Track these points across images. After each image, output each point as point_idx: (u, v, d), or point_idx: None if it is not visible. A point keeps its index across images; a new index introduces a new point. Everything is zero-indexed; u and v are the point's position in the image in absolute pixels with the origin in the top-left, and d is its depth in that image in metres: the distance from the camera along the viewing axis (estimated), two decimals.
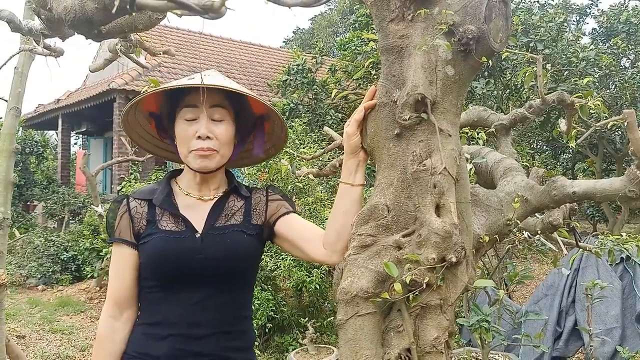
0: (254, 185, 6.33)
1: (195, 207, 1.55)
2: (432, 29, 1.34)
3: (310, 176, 2.32)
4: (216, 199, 1.57)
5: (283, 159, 2.43)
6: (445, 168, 1.27)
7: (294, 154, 2.37)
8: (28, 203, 13.72)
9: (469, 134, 2.17)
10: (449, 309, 1.27)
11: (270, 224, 1.60)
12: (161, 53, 1.76)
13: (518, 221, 1.49)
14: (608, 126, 1.53)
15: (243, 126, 1.59)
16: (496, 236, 1.49)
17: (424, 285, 1.23)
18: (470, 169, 1.76)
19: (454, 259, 1.23)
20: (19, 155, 13.07)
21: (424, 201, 1.28)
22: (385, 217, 1.32)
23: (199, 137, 1.47)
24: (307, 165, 2.41)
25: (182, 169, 1.61)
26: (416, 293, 1.24)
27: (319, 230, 1.56)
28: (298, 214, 1.66)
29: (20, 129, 14.81)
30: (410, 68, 1.34)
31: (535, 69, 1.78)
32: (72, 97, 13.73)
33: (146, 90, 1.55)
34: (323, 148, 2.70)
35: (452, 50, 1.31)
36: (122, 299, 1.52)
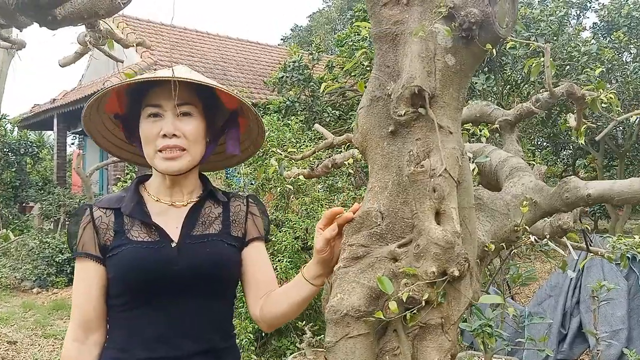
0: (251, 185, 6.22)
1: (167, 214, 1.41)
2: (431, 13, 1.19)
3: (301, 177, 2.19)
4: (190, 204, 1.44)
5: (273, 158, 2.30)
6: (445, 169, 1.13)
7: (281, 154, 2.23)
8: (24, 204, 13.57)
9: (470, 131, 2.03)
10: (451, 329, 1.13)
11: (244, 241, 1.48)
12: (134, 45, 1.62)
13: (526, 227, 1.35)
14: (630, 120, 1.38)
15: (215, 123, 1.46)
16: (503, 244, 1.35)
17: (423, 303, 1.09)
18: (473, 169, 1.62)
19: (456, 273, 1.08)
20: (14, 156, 12.94)
21: (422, 207, 1.13)
22: (379, 224, 1.17)
23: (165, 136, 1.34)
24: (297, 166, 2.28)
25: (150, 175, 1.47)
26: (414, 311, 1.10)
27: (270, 285, 1.48)
28: (268, 240, 1.57)
29: (16, 129, 14.66)
30: (406, 57, 1.20)
31: (542, 60, 1.64)
32: (68, 96, 13.58)
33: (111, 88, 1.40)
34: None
35: (453, 36, 1.17)
36: (88, 320, 1.37)
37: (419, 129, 1.19)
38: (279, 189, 5.43)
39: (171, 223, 1.40)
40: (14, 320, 6.94)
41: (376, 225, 1.18)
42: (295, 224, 5.46)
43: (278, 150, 2.23)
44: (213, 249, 1.40)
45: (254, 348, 5.22)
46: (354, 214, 1.21)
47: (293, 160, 2.23)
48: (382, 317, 1.09)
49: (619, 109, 1.59)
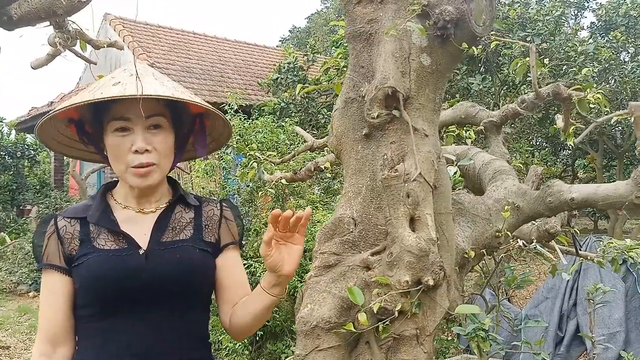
0: (247, 187, 6.16)
1: (135, 221, 1.36)
2: (405, 11, 1.15)
3: (283, 181, 2.15)
4: (160, 210, 1.38)
5: (254, 161, 2.26)
6: (420, 174, 1.08)
7: (260, 157, 2.18)
8: (21, 207, 13.53)
9: (456, 133, 1.98)
10: (426, 340, 1.08)
11: (218, 247, 1.43)
12: (105, 46, 1.57)
13: (508, 232, 1.30)
14: (611, 121, 1.34)
15: (181, 130, 1.41)
16: (483, 250, 1.30)
17: (396, 313, 1.04)
18: (456, 172, 1.57)
19: (431, 282, 1.04)
20: (11, 159, 12.90)
21: (396, 213, 1.09)
22: (352, 231, 1.13)
23: (136, 151, 1.29)
24: (280, 170, 2.23)
25: (117, 181, 1.42)
26: (387, 322, 1.05)
27: (242, 293, 1.43)
28: (242, 245, 1.51)
29: (13, 132, 14.61)
30: (380, 57, 1.15)
31: (527, 60, 1.59)
32: (65, 99, 13.53)
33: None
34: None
35: (428, 35, 1.12)
36: (55, 333, 1.32)
37: (394, 132, 1.14)
38: (274, 191, 5.37)
39: (140, 230, 1.35)
40: (8, 324, 6.89)
41: (349, 232, 1.13)
42: None
43: (257, 154, 2.19)
44: (184, 255, 1.35)
45: (248, 352, 5.17)
46: (301, 217, 1.16)
47: (273, 164, 2.19)
48: (353, 329, 1.04)
49: (607, 109, 1.54)
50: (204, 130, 1.45)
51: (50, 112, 1.30)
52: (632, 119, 1.00)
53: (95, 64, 1.58)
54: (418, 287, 1.05)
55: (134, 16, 14.26)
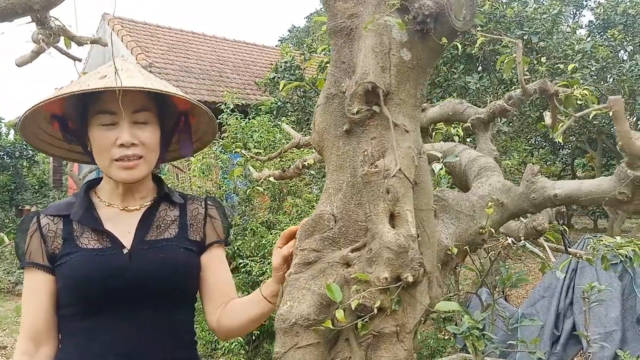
0: (244, 187, 6.15)
1: (119, 219, 1.35)
2: (385, 5, 1.14)
3: (272, 179, 2.14)
4: (144, 208, 1.38)
5: (242, 158, 2.25)
6: (400, 170, 1.07)
7: (246, 155, 2.17)
8: (20, 207, 13.53)
9: (444, 130, 1.97)
10: (407, 337, 1.07)
11: (203, 245, 1.42)
12: (88, 42, 1.56)
13: (492, 229, 1.29)
14: (590, 117, 1.33)
15: (166, 125, 1.40)
16: (467, 247, 1.29)
17: (375, 310, 1.03)
18: (441, 169, 1.56)
19: (410, 278, 1.03)
20: (9, 159, 12.90)
21: (375, 209, 1.08)
22: (332, 228, 1.12)
23: (122, 145, 1.28)
24: (268, 167, 2.23)
25: (101, 178, 1.42)
26: (366, 319, 1.04)
27: (228, 293, 1.43)
28: (228, 243, 1.52)
29: (11, 132, 14.62)
30: (360, 52, 1.14)
31: (514, 56, 1.58)
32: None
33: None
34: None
35: (408, 30, 1.12)
36: (37, 332, 1.31)
37: (374, 128, 1.13)
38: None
39: (124, 229, 1.34)
40: (6, 324, 6.90)
41: (329, 228, 1.12)
42: (286, 225, 5.40)
43: (243, 152, 2.18)
44: (168, 254, 1.34)
45: (244, 352, 5.16)
46: None
47: (260, 161, 2.18)
48: (331, 327, 1.03)
49: (595, 105, 1.53)
50: (189, 129, 1.44)
51: (34, 105, 1.29)
52: (611, 113, 1.00)
53: (80, 61, 1.56)
54: (397, 284, 1.04)
55: (132, 16, 14.25)
